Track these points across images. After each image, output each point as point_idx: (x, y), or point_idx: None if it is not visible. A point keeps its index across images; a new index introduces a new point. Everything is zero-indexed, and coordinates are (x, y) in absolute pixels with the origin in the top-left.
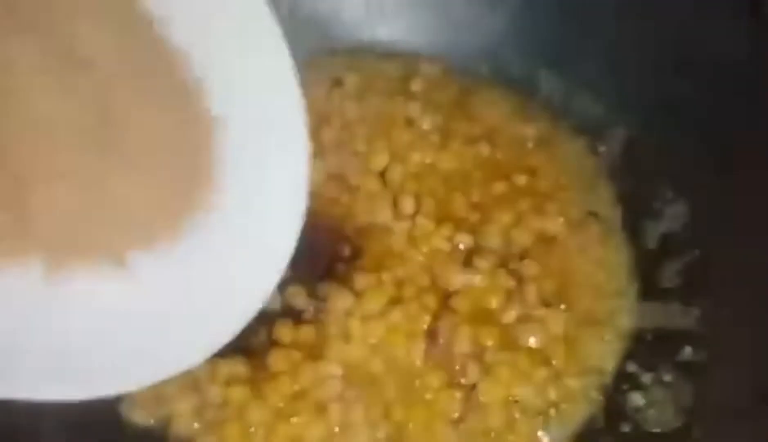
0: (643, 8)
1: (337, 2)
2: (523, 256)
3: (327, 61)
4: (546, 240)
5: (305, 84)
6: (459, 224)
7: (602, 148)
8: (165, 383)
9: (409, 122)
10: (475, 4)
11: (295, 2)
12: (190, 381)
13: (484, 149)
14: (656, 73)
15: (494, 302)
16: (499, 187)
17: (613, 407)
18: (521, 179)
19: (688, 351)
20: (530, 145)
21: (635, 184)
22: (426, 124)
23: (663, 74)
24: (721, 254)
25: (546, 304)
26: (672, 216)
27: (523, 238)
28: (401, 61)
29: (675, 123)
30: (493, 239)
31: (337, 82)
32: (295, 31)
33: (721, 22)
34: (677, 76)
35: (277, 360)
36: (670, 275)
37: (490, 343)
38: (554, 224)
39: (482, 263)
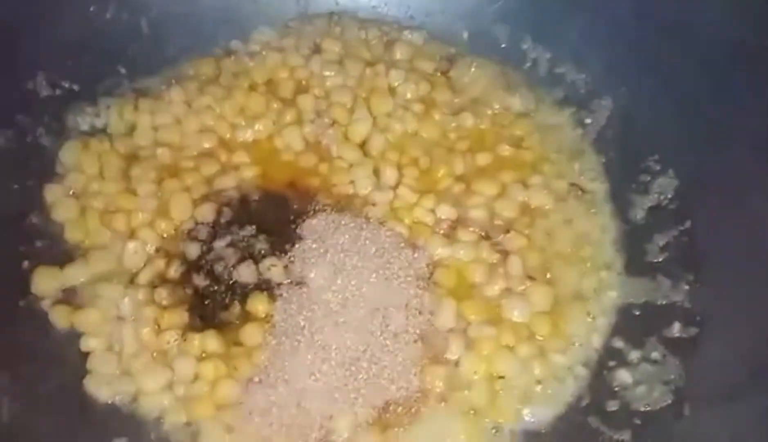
0: None
1: None
2: (507, 229)
3: (306, 27)
4: (530, 212)
5: (284, 50)
6: (442, 196)
7: (588, 120)
8: (131, 358)
9: (391, 91)
10: None
11: None
12: (159, 357)
13: (468, 120)
14: (646, 42)
15: (478, 276)
16: (483, 158)
17: (600, 384)
18: (505, 150)
19: (677, 327)
20: (515, 116)
21: (622, 157)
22: (409, 92)
23: (653, 44)
24: (710, 228)
25: (530, 278)
26: (660, 189)
27: (507, 210)
28: (383, 28)
29: (664, 94)
30: (476, 212)
31: (317, 49)
32: None
33: None
34: (668, 46)
35: (251, 335)
36: (657, 249)
37: (473, 317)
38: (539, 196)
39: (466, 235)
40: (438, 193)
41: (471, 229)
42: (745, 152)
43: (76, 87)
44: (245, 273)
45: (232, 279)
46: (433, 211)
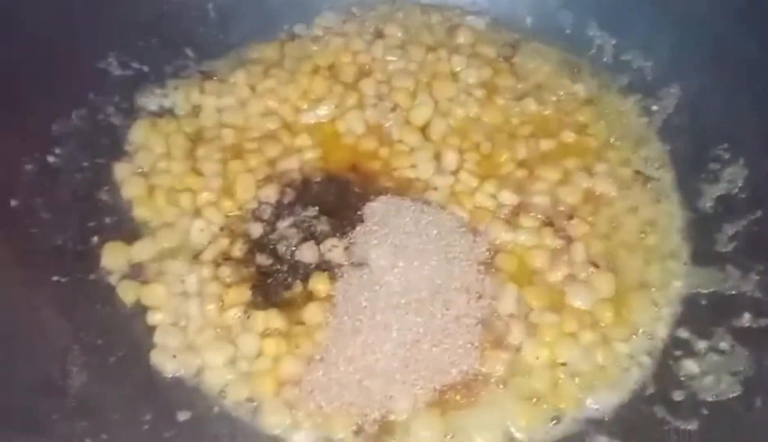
0: None
1: None
2: (570, 215)
3: (368, 12)
4: (594, 199)
5: (346, 35)
6: (504, 181)
7: (655, 107)
8: (196, 333)
9: (453, 76)
10: None
11: None
12: (223, 332)
13: (531, 105)
14: (716, 28)
15: (540, 262)
16: (546, 144)
17: (665, 373)
18: (569, 137)
19: (746, 317)
20: (579, 102)
21: (690, 145)
22: (471, 78)
23: (723, 30)
24: None
25: (594, 264)
26: (729, 178)
27: (570, 197)
28: (445, 14)
29: (734, 82)
30: (539, 197)
31: (379, 34)
32: None
33: None
34: (739, 32)
35: (313, 313)
36: (726, 238)
37: (535, 303)
38: (603, 184)
39: (528, 221)
40: (500, 179)
41: (533, 214)
42: None
43: (145, 68)
44: (307, 253)
45: (294, 259)
46: (494, 196)
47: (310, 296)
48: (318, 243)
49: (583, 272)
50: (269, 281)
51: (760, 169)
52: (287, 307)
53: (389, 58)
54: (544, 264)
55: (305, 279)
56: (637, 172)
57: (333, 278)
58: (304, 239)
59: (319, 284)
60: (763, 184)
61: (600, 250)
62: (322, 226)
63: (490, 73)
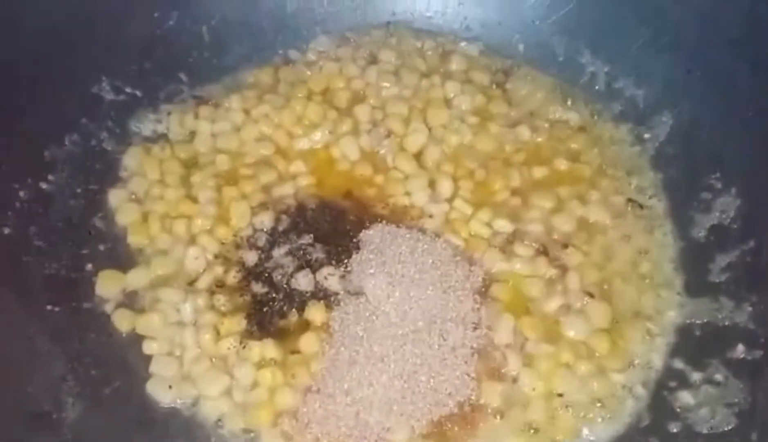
0: None
1: None
2: (565, 244)
3: (362, 37)
4: (588, 228)
5: (341, 60)
6: (498, 209)
7: (647, 136)
8: (192, 363)
9: (447, 102)
10: None
11: None
12: (219, 362)
13: (524, 133)
14: (708, 57)
15: (535, 291)
16: (540, 171)
17: (660, 404)
18: (562, 164)
19: (740, 349)
20: (572, 130)
21: (682, 174)
22: (464, 104)
23: (716, 59)
24: None
25: (589, 294)
26: (722, 207)
27: (564, 225)
28: (438, 40)
29: (727, 112)
30: (533, 226)
31: (373, 59)
32: (330, 3)
33: None
34: (731, 61)
35: (309, 343)
36: (719, 268)
37: (531, 334)
38: (597, 212)
39: (523, 250)
40: (494, 206)
41: (528, 243)
42: None
43: (138, 93)
44: (303, 282)
45: (289, 287)
46: (489, 224)
47: (306, 325)
48: (314, 271)
49: (578, 301)
50: (264, 309)
51: (752, 199)
52: (283, 336)
53: (383, 83)
54: (540, 293)
55: (301, 308)
56: (630, 201)
57: (329, 306)
58: (300, 267)
59: (315, 313)
60: (755, 214)
61: (594, 279)
62: (318, 254)
63: (483, 100)
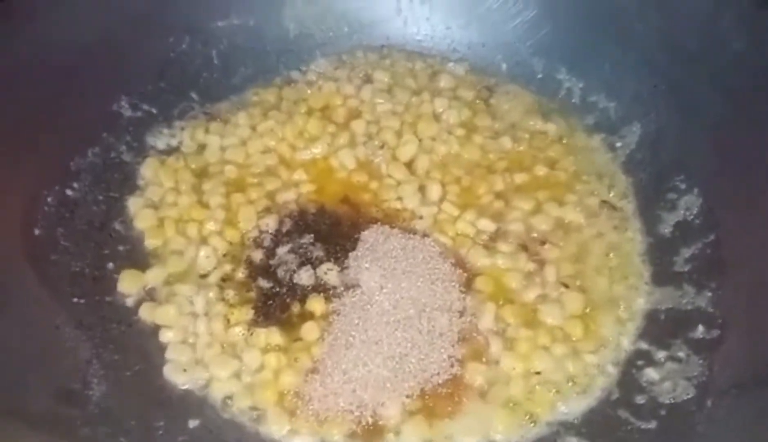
0: (659, 8)
1: (369, 4)
2: (543, 241)
3: (358, 59)
4: (564, 227)
5: (338, 80)
6: (483, 211)
7: (618, 144)
8: (204, 349)
9: (436, 117)
10: (500, 8)
11: (330, 2)
12: (228, 348)
13: (507, 143)
14: (673, 72)
15: (515, 283)
16: (521, 177)
17: (629, 380)
18: (541, 171)
19: (700, 329)
20: (550, 140)
21: (650, 177)
22: (452, 118)
23: (679, 73)
24: (732, 240)
25: (564, 285)
26: (686, 206)
27: (543, 224)
28: (428, 61)
29: (689, 120)
30: (514, 225)
31: (368, 79)
32: (330, 29)
33: (738, 21)
34: (693, 74)
35: (310, 331)
36: (683, 260)
37: (512, 320)
38: (572, 213)
39: (505, 246)
40: (479, 209)
41: (509, 240)
42: (763, 172)
43: (154, 110)
44: (304, 277)
45: (292, 282)
46: (474, 224)
47: (307, 316)
48: (314, 268)
49: (554, 291)
50: (270, 302)
51: (712, 197)
52: (286, 325)
53: (377, 100)
54: (520, 285)
55: (303, 300)
56: (603, 202)
57: (328, 299)
58: (302, 264)
59: (316, 304)
60: (715, 210)
61: (570, 272)
62: (318, 252)
63: (469, 114)
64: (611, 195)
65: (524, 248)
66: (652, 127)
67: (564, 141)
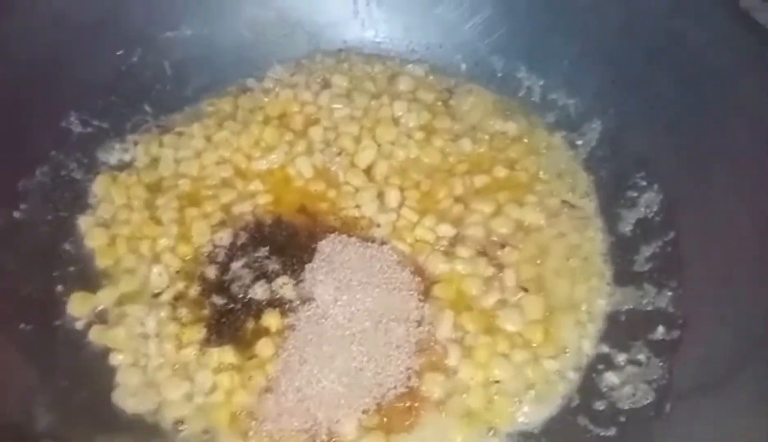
0: (618, 5)
1: (324, 7)
2: (502, 244)
3: (316, 63)
4: (525, 229)
5: (295, 86)
6: (442, 216)
7: (579, 142)
8: (155, 371)
9: (395, 120)
10: (457, 8)
11: (285, 6)
12: (180, 369)
13: (466, 145)
14: (632, 68)
15: (475, 289)
16: (480, 180)
17: (589, 386)
18: (501, 172)
19: (660, 330)
20: (510, 140)
21: (611, 175)
22: (411, 122)
23: (638, 69)
24: (693, 238)
25: (524, 289)
26: (646, 203)
27: (503, 227)
28: (387, 63)
29: (649, 116)
30: (474, 229)
31: (326, 84)
32: (285, 34)
33: (697, 16)
34: (652, 71)
35: (265, 347)
36: (644, 259)
37: (470, 327)
38: (533, 214)
39: (464, 251)
40: (438, 213)
41: (469, 245)
42: (723, 168)
43: (105, 125)
44: (259, 291)
45: (247, 297)
46: (433, 229)
47: (262, 332)
48: (269, 282)
49: (513, 296)
50: (223, 319)
51: (672, 194)
52: (241, 342)
53: (335, 106)
54: (479, 291)
55: (258, 316)
56: (564, 202)
57: (284, 313)
58: (257, 279)
59: (271, 319)
60: (675, 206)
61: (530, 275)
62: (274, 265)
63: (428, 117)
64: (572, 194)
65: (484, 252)
66: (612, 123)
67: (525, 140)
